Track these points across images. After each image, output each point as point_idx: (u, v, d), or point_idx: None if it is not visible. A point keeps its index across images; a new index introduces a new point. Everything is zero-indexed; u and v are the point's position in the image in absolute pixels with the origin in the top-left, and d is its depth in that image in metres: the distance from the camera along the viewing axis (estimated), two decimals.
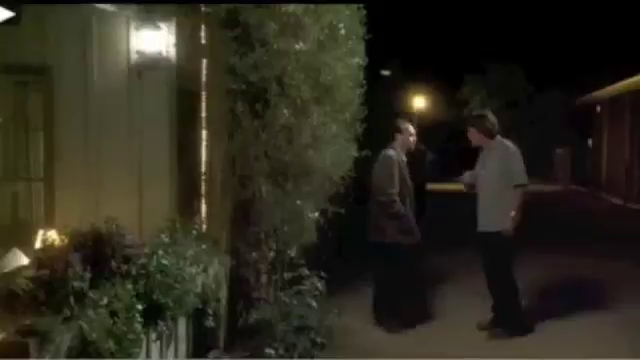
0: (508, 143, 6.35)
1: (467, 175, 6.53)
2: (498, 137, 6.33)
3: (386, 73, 25.68)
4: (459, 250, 8.20)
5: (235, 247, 5.44)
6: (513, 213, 6.06)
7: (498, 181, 6.16)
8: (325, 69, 6.11)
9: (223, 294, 5.15)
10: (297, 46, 5.59)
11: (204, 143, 5.38)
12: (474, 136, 6.37)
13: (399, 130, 6.60)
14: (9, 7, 4.08)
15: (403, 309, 6.52)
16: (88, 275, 3.64)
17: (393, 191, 6.31)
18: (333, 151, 6.42)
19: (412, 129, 6.67)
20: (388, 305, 6.44)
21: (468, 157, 7.33)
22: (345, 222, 7.98)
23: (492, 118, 6.38)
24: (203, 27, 5.28)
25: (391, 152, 6.47)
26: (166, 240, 4.53)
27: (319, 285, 5.98)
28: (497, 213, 6.12)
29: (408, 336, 6.24)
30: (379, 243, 6.45)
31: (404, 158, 6.57)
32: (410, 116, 7.15)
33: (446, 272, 8.99)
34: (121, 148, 5.43)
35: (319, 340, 5.67)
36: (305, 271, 6.05)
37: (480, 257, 6.46)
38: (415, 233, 6.44)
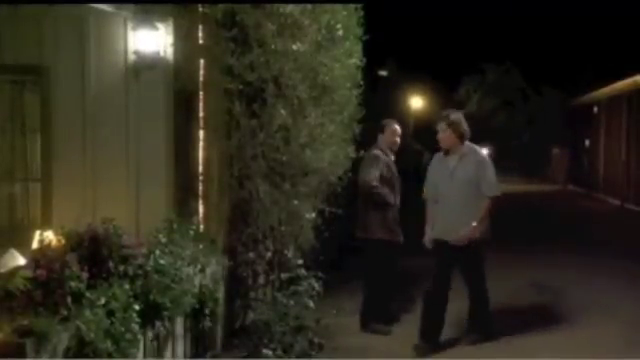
0: (479, 150, 6.07)
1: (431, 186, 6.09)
2: (467, 142, 5.99)
3: (384, 73, 25.73)
4: None
5: (233, 247, 5.45)
6: (474, 223, 5.72)
7: (472, 189, 5.80)
8: (322, 69, 6.12)
9: (220, 294, 5.15)
10: (294, 46, 5.60)
11: (201, 143, 5.37)
12: (450, 138, 5.91)
13: (382, 130, 6.57)
14: None
15: (390, 310, 6.49)
16: (85, 275, 3.64)
17: (375, 182, 6.26)
18: (330, 151, 6.43)
19: (397, 128, 6.57)
20: (374, 306, 6.42)
21: None
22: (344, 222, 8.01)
23: (465, 122, 6.04)
24: (200, 27, 5.28)
25: (376, 151, 6.46)
26: (163, 240, 4.53)
27: (316, 285, 5.99)
28: (469, 222, 5.75)
29: (406, 336, 6.23)
30: (365, 241, 6.44)
31: (392, 157, 6.55)
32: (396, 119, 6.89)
33: None
34: (118, 148, 5.42)
35: (316, 340, 5.68)
36: (302, 271, 6.05)
37: (437, 262, 5.98)
38: (399, 233, 6.38)
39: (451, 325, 6.16)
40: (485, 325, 6.08)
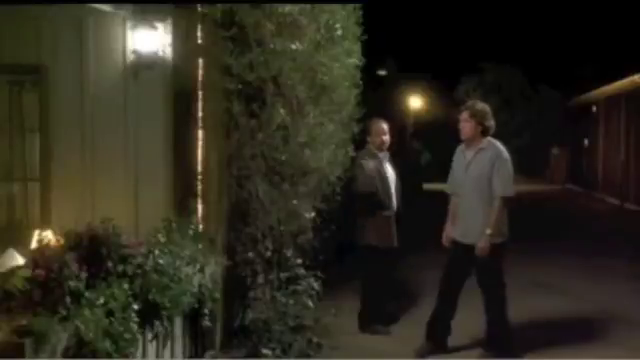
0: (501, 146, 5.63)
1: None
2: (489, 137, 5.68)
3: (383, 73, 25.76)
4: None
5: (232, 247, 5.44)
6: (489, 231, 5.38)
7: (486, 187, 5.47)
8: (321, 69, 6.12)
9: (219, 294, 5.15)
10: (293, 46, 5.59)
11: (200, 143, 5.37)
12: (471, 130, 5.60)
13: (368, 132, 6.51)
14: None
15: (385, 312, 6.47)
16: (84, 275, 3.64)
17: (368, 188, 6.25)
18: (330, 151, 6.42)
19: (381, 127, 6.44)
20: (370, 308, 6.40)
21: None
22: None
23: (491, 116, 5.76)
24: (199, 27, 5.28)
25: (364, 155, 6.43)
26: (162, 240, 4.52)
27: (315, 285, 5.99)
28: (485, 222, 5.43)
29: (405, 337, 6.23)
30: (360, 245, 6.40)
31: (385, 157, 6.46)
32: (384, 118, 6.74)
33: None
34: (117, 148, 5.42)
35: (315, 340, 5.68)
36: (301, 271, 6.05)
37: (448, 263, 5.76)
38: (392, 238, 6.32)
39: (463, 331, 6.04)
40: (502, 343, 5.63)
